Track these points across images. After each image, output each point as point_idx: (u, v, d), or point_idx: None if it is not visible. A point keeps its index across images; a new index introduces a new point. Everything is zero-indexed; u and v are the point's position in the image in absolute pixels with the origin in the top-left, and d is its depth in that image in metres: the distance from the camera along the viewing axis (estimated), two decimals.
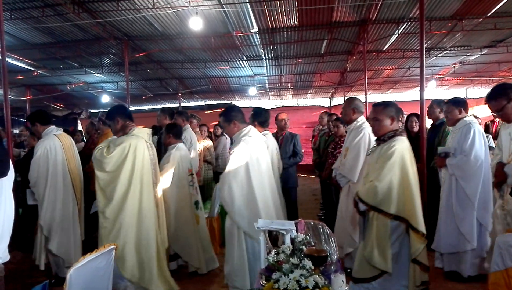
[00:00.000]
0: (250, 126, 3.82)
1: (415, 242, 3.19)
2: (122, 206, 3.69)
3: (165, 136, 5.04)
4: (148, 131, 4.12)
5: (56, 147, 4.51)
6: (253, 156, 3.58)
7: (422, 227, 3.20)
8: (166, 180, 4.62)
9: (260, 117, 5.07)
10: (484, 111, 16.74)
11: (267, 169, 3.78)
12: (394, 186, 3.18)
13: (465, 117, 4.55)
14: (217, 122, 10.25)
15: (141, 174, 3.78)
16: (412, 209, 3.21)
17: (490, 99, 3.47)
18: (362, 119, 4.63)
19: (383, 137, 3.43)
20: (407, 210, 3.20)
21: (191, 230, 4.83)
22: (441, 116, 5.55)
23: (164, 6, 8.64)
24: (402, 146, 3.30)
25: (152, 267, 3.78)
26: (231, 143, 9.96)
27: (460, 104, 4.61)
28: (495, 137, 9.76)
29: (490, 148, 5.24)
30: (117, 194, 3.66)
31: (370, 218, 3.31)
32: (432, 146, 5.47)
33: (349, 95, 20.30)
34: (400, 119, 6.74)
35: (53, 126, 4.73)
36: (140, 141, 3.85)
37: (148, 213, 3.84)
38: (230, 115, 3.77)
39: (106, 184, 3.69)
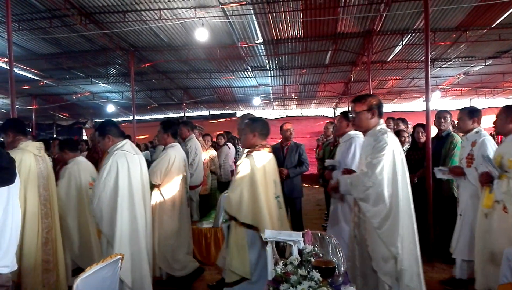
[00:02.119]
0: (126, 140, 3.87)
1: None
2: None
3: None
4: (38, 145, 3.89)
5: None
6: (124, 169, 3.61)
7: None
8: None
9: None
10: (488, 122, 16.73)
11: (138, 180, 3.80)
12: (244, 196, 3.28)
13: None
14: (221, 132, 10.28)
15: (24, 187, 3.58)
16: (260, 217, 3.28)
17: None
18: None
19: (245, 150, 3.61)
20: (257, 218, 3.29)
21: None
22: (450, 127, 5.54)
23: (170, 18, 8.73)
24: (255, 159, 3.39)
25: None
26: (236, 153, 10.04)
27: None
28: None
29: None
30: None
31: (231, 227, 3.42)
32: (438, 156, 5.44)
33: None
34: (405, 128, 6.76)
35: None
36: (25, 155, 3.68)
37: (27, 223, 3.62)
38: (105, 129, 3.80)
39: None
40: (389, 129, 3.33)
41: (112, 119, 4.97)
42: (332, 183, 3.86)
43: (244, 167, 3.35)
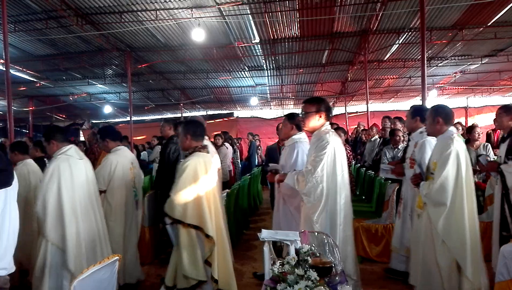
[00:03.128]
0: (71, 145, 3.88)
1: (207, 246, 3.32)
2: None
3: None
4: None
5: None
6: (65, 173, 3.62)
7: (212, 232, 3.30)
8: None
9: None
10: (485, 120, 16.79)
11: (84, 185, 3.79)
12: (188, 198, 3.32)
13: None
14: (218, 132, 10.27)
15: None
16: (204, 217, 3.33)
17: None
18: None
19: (185, 153, 3.62)
20: (201, 219, 3.33)
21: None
22: None
23: (166, 18, 8.73)
24: (195, 161, 3.43)
25: None
26: (234, 153, 10.03)
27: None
28: (496, 146, 9.75)
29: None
30: None
31: (177, 230, 3.39)
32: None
33: (350, 104, 20.36)
34: (402, 127, 6.78)
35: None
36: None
37: None
38: (49, 135, 3.83)
39: None
40: (332, 130, 3.55)
41: (108, 121, 4.97)
42: (278, 176, 3.91)
43: (185, 169, 3.37)
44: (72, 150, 3.83)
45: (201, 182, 3.40)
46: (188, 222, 3.30)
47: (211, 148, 5.61)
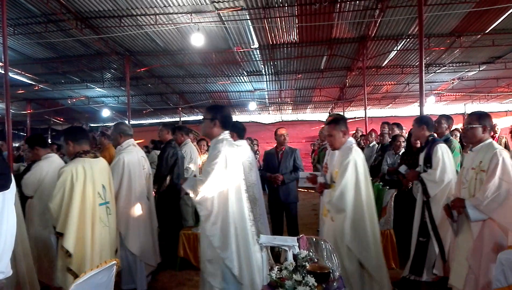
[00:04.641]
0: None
1: (64, 256, 3.31)
2: None
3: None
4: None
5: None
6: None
7: (68, 244, 3.27)
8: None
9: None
10: None
11: None
12: (63, 205, 3.32)
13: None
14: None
15: None
16: (68, 228, 3.31)
17: None
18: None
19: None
20: (65, 228, 3.33)
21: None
22: (447, 132, 5.52)
23: (166, 23, 8.75)
24: (71, 168, 3.41)
25: None
26: None
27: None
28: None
29: None
30: None
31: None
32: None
33: (349, 110, 20.41)
34: (400, 133, 6.80)
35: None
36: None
37: None
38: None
39: None
40: (227, 138, 3.46)
41: (106, 125, 4.99)
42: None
43: (62, 176, 3.36)
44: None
45: (77, 189, 3.35)
46: (57, 230, 3.33)
47: (192, 148, 5.63)
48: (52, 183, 4.27)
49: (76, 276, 3.23)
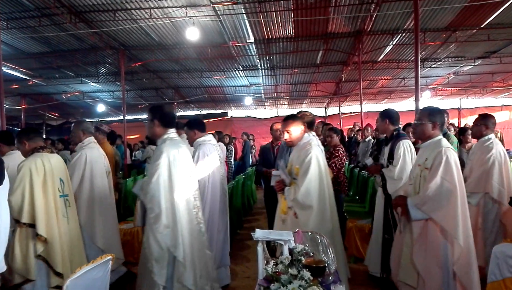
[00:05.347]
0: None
1: (40, 243, 3.39)
2: None
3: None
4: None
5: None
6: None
7: (42, 231, 3.37)
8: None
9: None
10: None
11: None
12: (25, 198, 3.38)
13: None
14: (212, 132, 10.23)
15: None
16: (38, 216, 3.40)
17: None
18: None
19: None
20: (35, 217, 3.40)
21: None
22: (444, 126, 5.52)
23: (161, 17, 8.69)
24: (30, 162, 3.48)
25: None
26: (227, 151, 9.99)
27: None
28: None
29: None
30: None
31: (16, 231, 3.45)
32: None
33: (344, 105, 20.42)
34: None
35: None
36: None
37: None
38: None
39: None
40: (172, 137, 3.46)
41: (101, 120, 4.97)
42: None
43: (22, 170, 3.44)
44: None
45: (36, 182, 3.44)
46: (24, 221, 3.39)
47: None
48: (12, 178, 4.38)
49: (48, 263, 3.42)
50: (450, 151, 3.19)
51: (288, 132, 3.81)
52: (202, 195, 4.21)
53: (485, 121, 4.50)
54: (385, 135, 4.66)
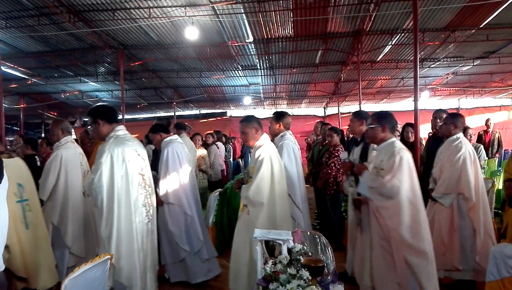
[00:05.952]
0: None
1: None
2: None
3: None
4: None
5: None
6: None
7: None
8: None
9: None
10: (476, 121, 16.93)
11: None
12: None
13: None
14: (211, 131, 10.24)
15: None
16: None
17: None
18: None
19: None
20: None
21: None
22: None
23: (160, 16, 8.69)
24: None
25: None
26: (226, 150, 9.97)
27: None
28: (488, 148, 9.84)
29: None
30: None
31: None
32: (433, 157, 5.41)
33: (343, 105, 20.42)
34: (396, 128, 6.80)
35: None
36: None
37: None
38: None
39: None
40: (118, 134, 3.51)
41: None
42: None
43: None
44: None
45: None
46: None
47: (188, 142, 5.69)
48: None
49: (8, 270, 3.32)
50: (404, 152, 3.42)
51: (244, 134, 3.90)
52: (181, 191, 4.44)
53: (454, 120, 4.48)
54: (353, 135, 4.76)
